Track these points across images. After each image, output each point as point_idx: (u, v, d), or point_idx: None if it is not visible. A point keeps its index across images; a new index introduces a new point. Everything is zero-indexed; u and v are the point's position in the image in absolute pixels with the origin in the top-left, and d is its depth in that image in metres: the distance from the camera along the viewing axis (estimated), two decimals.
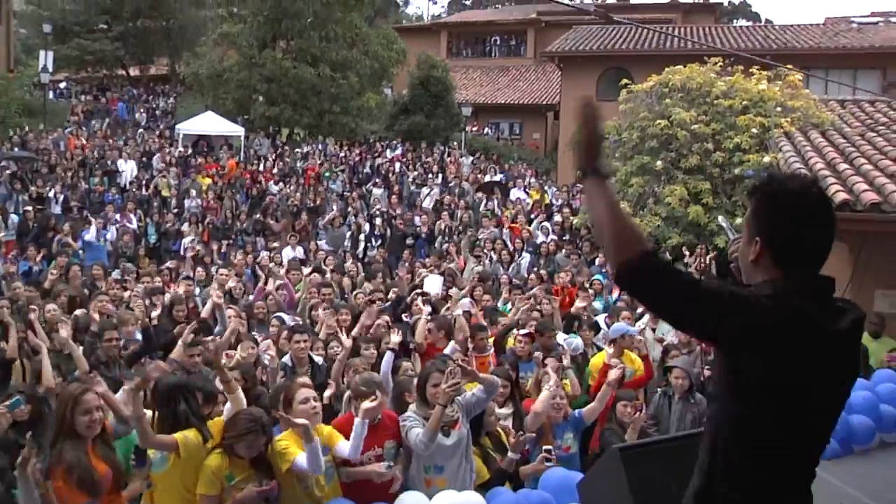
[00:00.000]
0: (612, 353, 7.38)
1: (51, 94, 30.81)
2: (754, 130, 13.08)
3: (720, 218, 4.07)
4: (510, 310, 10.20)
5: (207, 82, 26.31)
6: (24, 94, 28.02)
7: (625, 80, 15.77)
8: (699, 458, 2.20)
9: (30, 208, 16.04)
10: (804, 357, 1.98)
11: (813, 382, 2.02)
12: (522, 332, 8.16)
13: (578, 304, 9.55)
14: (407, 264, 13.69)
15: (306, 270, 11.76)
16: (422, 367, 7.20)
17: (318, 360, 6.88)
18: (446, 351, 7.06)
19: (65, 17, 34.20)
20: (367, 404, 4.56)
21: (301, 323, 7.45)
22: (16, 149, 21.36)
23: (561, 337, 8.34)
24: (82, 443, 4.08)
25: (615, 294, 11.43)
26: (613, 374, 6.39)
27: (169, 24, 35.91)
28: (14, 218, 15.59)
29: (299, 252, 15.11)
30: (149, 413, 4.43)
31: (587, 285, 11.19)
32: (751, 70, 14.54)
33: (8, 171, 18.88)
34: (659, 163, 13.80)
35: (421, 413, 4.92)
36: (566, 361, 7.21)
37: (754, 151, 12.89)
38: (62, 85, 35.63)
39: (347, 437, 4.58)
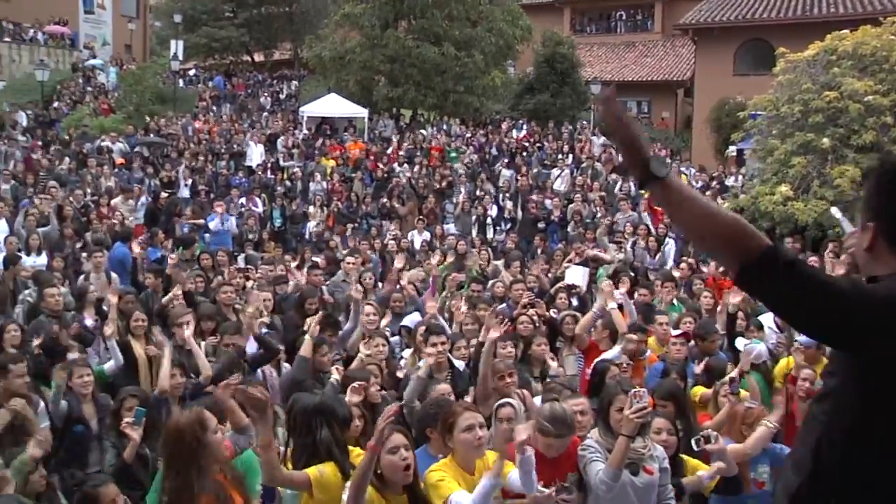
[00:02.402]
0: (802, 362, 6.24)
1: (181, 82, 31.50)
2: None
3: (833, 209, 3.10)
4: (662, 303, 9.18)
5: (330, 65, 26.03)
6: (157, 83, 28.71)
7: (781, 49, 14.12)
8: (795, 456, 2.03)
9: (163, 195, 16.11)
10: None
11: None
12: (675, 332, 7.12)
13: (732, 298, 8.27)
14: (541, 252, 12.78)
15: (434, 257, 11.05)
16: (587, 363, 6.35)
17: (459, 364, 6.06)
18: (609, 355, 6.14)
19: (194, 6, 34.98)
20: (520, 435, 3.65)
21: (438, 322, 6.60)
22: (151, 135, 21.75)
23: (741, 342, 7.22)
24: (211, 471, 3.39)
25: None
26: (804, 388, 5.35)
27: (292, 8, 36.15)
28: (143, 200, 15.64)
29: (426, 236, 14.49)
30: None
31: None
32: None
33: (140, 156, 19.19)
34: (825, 140, 12.28)
35: (605, 443, 3.99)
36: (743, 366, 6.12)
37: None
38: (191, 72, 36.50)
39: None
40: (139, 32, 40.69)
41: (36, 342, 6.94)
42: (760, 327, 7.44)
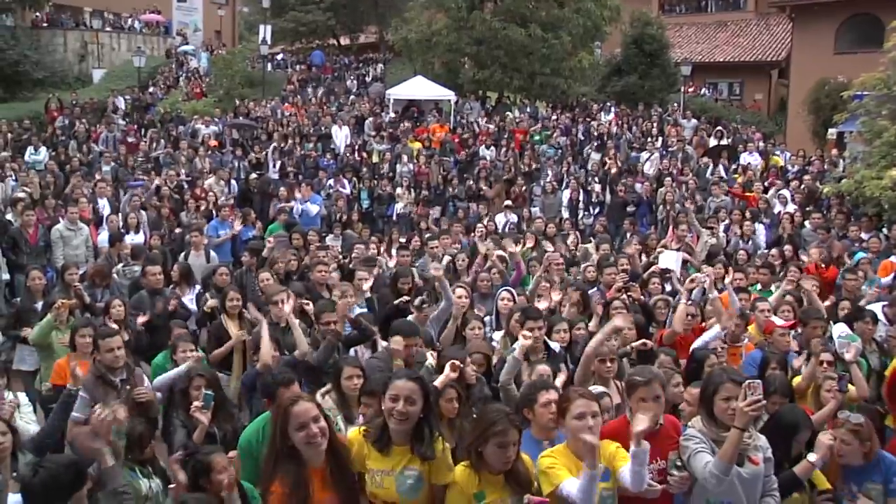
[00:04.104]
0: None
1: (269, 66, 32.10)
2: None
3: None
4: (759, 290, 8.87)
5: (416, 47, 25.99)
6: (245, 67, 29.34)
7: (895, 23, 13.32)
8: None
9: (253, 176, 16.47)
10: None
11: None
12: (778, 321, 6.85)
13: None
14: (631, 235, 12.50)
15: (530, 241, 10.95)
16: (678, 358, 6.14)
17: (555, 346, 5.97)
18: (710, 335, 5.94)
19: None
20: (639, 424, 3.55)
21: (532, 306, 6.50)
22: (241, 118, 22.25)
23: (837, 329, 6.89)
24: (304, 463, 3.36)
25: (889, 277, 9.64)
26: None
27: None
28: (233, 184, 16.01)
29: (512, 219, 14.38)
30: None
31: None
32: None
33: (230, 138, 19.66)
34: None
35: (709, 433, 3.84)
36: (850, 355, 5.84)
37: None
38: (279, 56, 37.13)
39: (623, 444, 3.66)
40: (228, 18, 41.68)
41: (141, 319, 7.20)
42: (875, 319, 7.04)
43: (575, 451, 3.66)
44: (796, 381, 5.69)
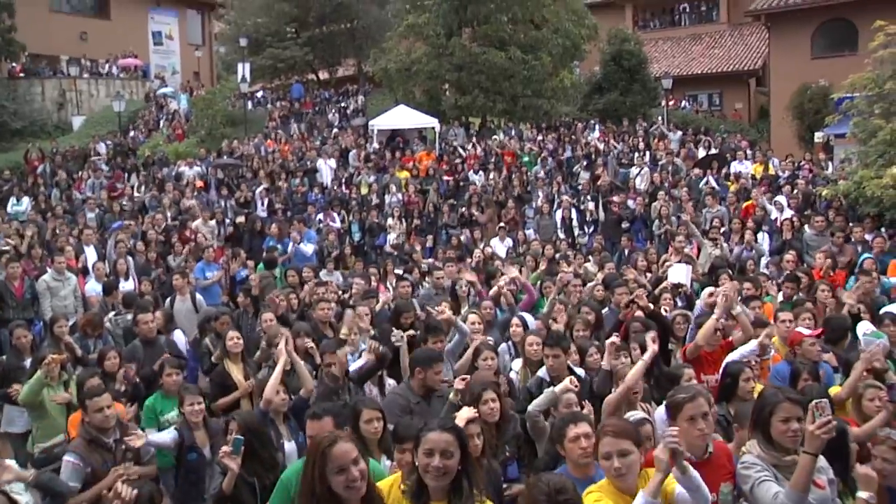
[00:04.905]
0: None
1: (249, 104, 31.94)
2: None
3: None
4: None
5: (396, 76, 25.87)
6: (226, 106, 29.16)
7: (879, 22, 13.25)
8: None
9: (241, 218, 16.15)
10: None
11: None
12: (806, 331, 6.57)
13: (848, 297, 7.62)
14: (629, 252, 12.30)
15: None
16: (696, 376, 5.87)
17: (580, 372, 5.68)
18: (745, 350, 5.67)
19: (258, 29, 35.51)
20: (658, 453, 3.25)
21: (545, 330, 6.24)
22: (224, 157, 21.98)
23: (862, 327, 6.66)
24: None
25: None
26: None
27: (353, 25, 36.26)
28: (213, 224, 15.64)
29: (508, 243, 14.14)
30: None
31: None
32: None
33: (215, 178, 19.37)
34: None
35: (768, 458, 3.55)
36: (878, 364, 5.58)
37: None
38: (259, 94, 37.02)
39: None
40: (206, 59, 41.61)
41: (130, 372, 6.81)
42: (894, 320, 6.80)
43: (619, 487, 3.37)
44: (834, 391, 5.41)
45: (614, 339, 5.50)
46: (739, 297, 7.30)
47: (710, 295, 6.51)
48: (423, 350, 5.73)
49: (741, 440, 3.87)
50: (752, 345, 5.58)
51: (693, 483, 3.20)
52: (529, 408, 4.75)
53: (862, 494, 3.70)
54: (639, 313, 6.62)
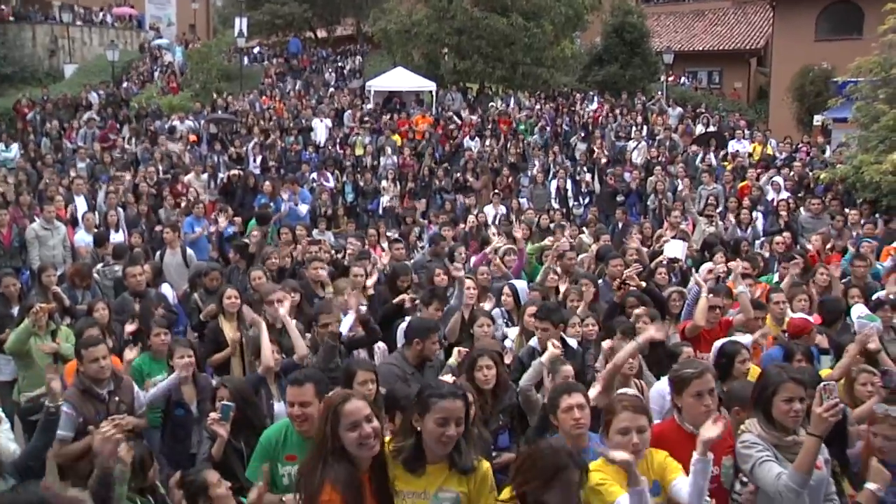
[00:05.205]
0: None
1: (245, 60, 31.50)
2: None
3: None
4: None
5: (396, 38, 25.54)
6: (222, 60, 28.74)
7: (890, 5, 13.09)
8: None
9: (234, 171, 15.92)
10: None
11: None
12: (798, 315, 6.55)
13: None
14: (624, 225, 12.24)
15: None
16: (695, 355, 5.83)
17: (572, 342, 5.64)
18: (746, 340, 5.62)
19: None
20: (708, 431, 3.20)
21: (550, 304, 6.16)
22: (219, 112, 21.70)
23: (856, 310, 6.66)
24: (356, 466, 2.99)
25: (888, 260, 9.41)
26: None
27: None
28: (205, 178, 15.45)
29: (502, 210, 14.06)
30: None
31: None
32: None
33: (208, 133, 19.13)
34: None
35: (769, 438, 3.52)
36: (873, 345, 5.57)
37: None
38: (255, 50, 36.54)
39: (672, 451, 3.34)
40: (202, 12, 40.99)
41: (129, 328, 6.66)
42: (894, 306, 6.78)
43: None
44: (825, 373, 5.40)
45: (610, 342, 5.40)
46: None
47: (710, 272, 6.46)
48: (420, 320, 5.62)
49: (739, 420, 3.83)
50: (747, 341, 5.53)
51: (704, 470, 3.15)
52: (521, 382, 4.71)
53: (870, 486, 3.68)
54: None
